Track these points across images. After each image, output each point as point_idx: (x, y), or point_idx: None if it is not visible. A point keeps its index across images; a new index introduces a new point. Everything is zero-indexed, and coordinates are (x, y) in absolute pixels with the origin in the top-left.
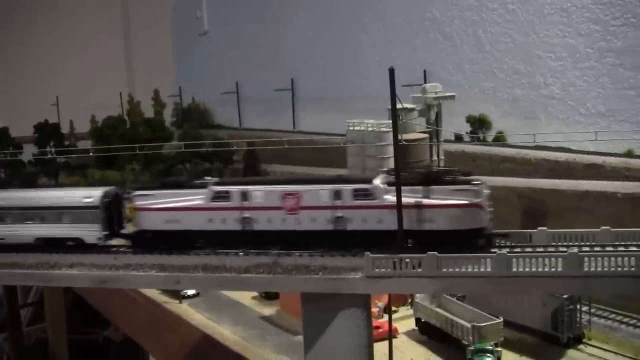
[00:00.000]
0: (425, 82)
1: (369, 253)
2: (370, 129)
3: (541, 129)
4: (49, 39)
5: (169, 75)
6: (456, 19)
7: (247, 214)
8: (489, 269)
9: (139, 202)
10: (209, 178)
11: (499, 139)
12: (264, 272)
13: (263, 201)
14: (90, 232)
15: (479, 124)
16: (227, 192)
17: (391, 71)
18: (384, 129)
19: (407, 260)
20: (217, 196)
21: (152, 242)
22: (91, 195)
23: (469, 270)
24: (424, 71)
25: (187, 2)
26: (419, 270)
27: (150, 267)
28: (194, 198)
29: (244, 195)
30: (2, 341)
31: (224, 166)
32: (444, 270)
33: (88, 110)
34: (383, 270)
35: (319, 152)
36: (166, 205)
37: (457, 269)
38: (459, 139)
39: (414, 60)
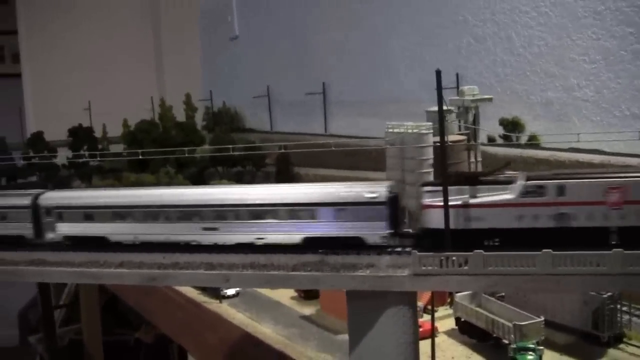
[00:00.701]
0: (457, 85)
1: (415, 251)
2: (409, 130)
3: (575, 131)
4: (80, 44)
5: (199, 80)
6: (489, 22)
7: (563, 210)
8: (534, 267)
9: (429, 199)
10: (515, 172)
11: (533, 142)
12: (312, 270)
13: (583, 196)
14: (373, 231)
15: (512, 127)
16: (541, 186)
17: (438, 73)
18: (424, 131)
19: (454, 258)
20: (529, 191)
21: (441, 241)
22: (376, 190)
23: (514, 268)
24: (457, 74)
25: (216, 7)
26: (465, 268)
27: (198, 266)
28: (499, 193)
29: (561, 190)
30: (35, 342)
31: (256, 169)
32: (490, 268)
33: (119, 114)
34: (430, 267)
35: (349, 155)
36: (466, 202)
37: (502, 267)
38: (491, 141)
39: (446, 63)
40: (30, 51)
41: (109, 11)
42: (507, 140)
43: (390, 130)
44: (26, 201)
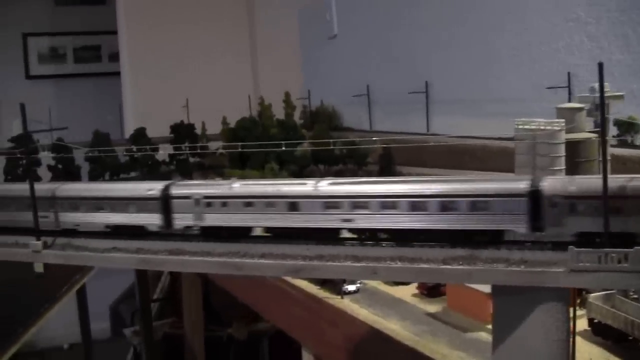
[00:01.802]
0: (569, 84)
1: (573, 247)
2: (542, 127)
3: None
4: (177, 43)
5: (296, 79)
6: (603, 20)
7: None
8: None
9: None
10: None
11: None
12: (463, 264)
13: None
14: None
15: (627, 127)
16: None
17: (600, 65)
18: (557, 128)
19: (613, 254)
20: None
21: None
22: None
23: None
24: (568, 73)
25: (315, 6)
26: (625, 265)
27: (344, 258)
28: None
29: None
30: (130, 335)
31: (357, 168)
32: None
33: (215, 112)
34: (587, 264)
35: (453, 154)
36: None
37: None
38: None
39: (556, 62)
40: (129, 50)
41: (206, 10)
42: (621, 141)
43: (521, 126)
44: (523, 185)
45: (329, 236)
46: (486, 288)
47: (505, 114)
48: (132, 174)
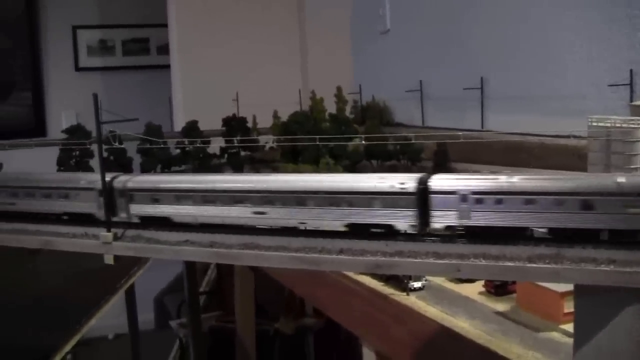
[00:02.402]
0: (631, 82)
1: None
2: (617, 124)
3: None
4: (227, 36)
5: (347, 73)
6: None
7: None
8: None
9: None
10: None
11: None
12: (550, 262)
13: None
14: None
15: None
16: None
17: None
18: (634, 125)
19: None
20: None
21: None
22: None
23: None
24: (631, 70)
25: (367, 0)
26: None
27: (425, 255)
28: None
29: None
30: (177, 327)
31: (411, 164)
32: None
33: (264, 106)
34: None
35: (509, 151)
36: None
37: None
38: None
39: (617, 59)
40: (179, 43)
41: (256, 2)
42: None
43: (595, 124)
44: None
45: (627, 239)
46: (558, 287)
47: (563, 112)
48: (184, 167)
